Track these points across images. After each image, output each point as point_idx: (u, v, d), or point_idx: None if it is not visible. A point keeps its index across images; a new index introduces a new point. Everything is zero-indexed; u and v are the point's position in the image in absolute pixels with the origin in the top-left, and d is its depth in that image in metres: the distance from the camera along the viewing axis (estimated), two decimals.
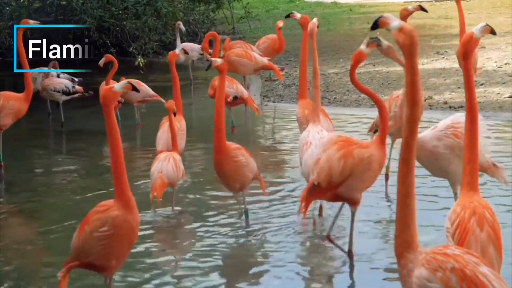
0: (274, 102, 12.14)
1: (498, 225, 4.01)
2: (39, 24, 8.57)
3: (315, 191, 5.28)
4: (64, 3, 15.57)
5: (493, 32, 4.43)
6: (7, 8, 15.34)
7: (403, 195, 3.45)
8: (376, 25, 3.54)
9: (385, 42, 5.23)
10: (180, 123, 7.70)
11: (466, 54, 4.16)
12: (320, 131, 6.41)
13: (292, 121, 10.38)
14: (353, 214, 5.45)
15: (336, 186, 5.27)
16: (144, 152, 9.34)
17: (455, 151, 5.43)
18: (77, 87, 10.65)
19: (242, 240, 6.20)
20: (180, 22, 13.93)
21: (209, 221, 6.67)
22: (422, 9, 7.44)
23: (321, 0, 25.82)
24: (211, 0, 19.10)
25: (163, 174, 6.62)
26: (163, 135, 7.52)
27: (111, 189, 4.62)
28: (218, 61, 6.34)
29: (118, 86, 4.55)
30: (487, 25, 4.20)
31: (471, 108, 4.12)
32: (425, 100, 10.75)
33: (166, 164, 6.67)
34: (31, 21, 8.45)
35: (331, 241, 5.56)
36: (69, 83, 10.64)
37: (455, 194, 5.56)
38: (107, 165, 8.98)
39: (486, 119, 9.62)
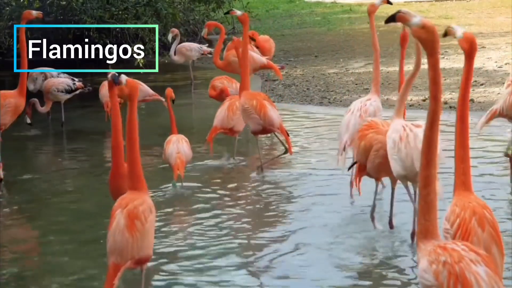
0: (274, 102, 12.10)
1: (497, 224, 4.01)
2: (42, 14, 8.52)
3: (359, 168, 5.88)
4: (64, 3, 15.56)
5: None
6: (7, 8, 15.34)
7: (421, 186, 3.54)
8: (392, 19, 3.52)
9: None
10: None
11: (471, 53, 4.14)
12: (367, 100, 6.81)
13: (292, 120, 10.38)
14: (393, 190, 5.78)
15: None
16: (145, 152, 9.31)
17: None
18: (78, 83, 10.68)
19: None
20: (176, 30, 13.77)
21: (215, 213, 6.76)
22: None
23: (321, 0, 25.82)
24: (211, 0, 19.08)
25: (181, 154, 7.17)
26: (221, 113, 8.27)
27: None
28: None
29: (123, 79, 4.82)
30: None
31: (463, 107, 4.12)
32: (423, 101, 10.74)
33: (181, 145, 7.23)
34: (34, 12, 8.39)
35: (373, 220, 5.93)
36: (69, 81, 10.68)
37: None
38: (107, 165, 8.96)
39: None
